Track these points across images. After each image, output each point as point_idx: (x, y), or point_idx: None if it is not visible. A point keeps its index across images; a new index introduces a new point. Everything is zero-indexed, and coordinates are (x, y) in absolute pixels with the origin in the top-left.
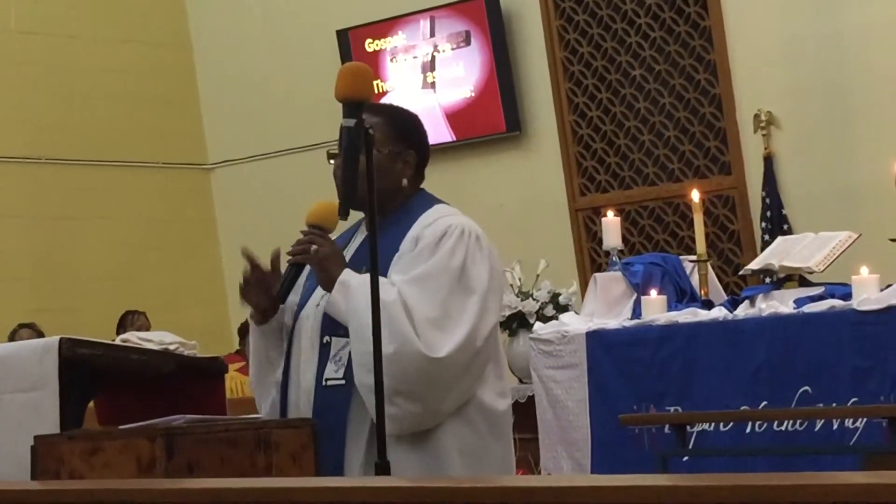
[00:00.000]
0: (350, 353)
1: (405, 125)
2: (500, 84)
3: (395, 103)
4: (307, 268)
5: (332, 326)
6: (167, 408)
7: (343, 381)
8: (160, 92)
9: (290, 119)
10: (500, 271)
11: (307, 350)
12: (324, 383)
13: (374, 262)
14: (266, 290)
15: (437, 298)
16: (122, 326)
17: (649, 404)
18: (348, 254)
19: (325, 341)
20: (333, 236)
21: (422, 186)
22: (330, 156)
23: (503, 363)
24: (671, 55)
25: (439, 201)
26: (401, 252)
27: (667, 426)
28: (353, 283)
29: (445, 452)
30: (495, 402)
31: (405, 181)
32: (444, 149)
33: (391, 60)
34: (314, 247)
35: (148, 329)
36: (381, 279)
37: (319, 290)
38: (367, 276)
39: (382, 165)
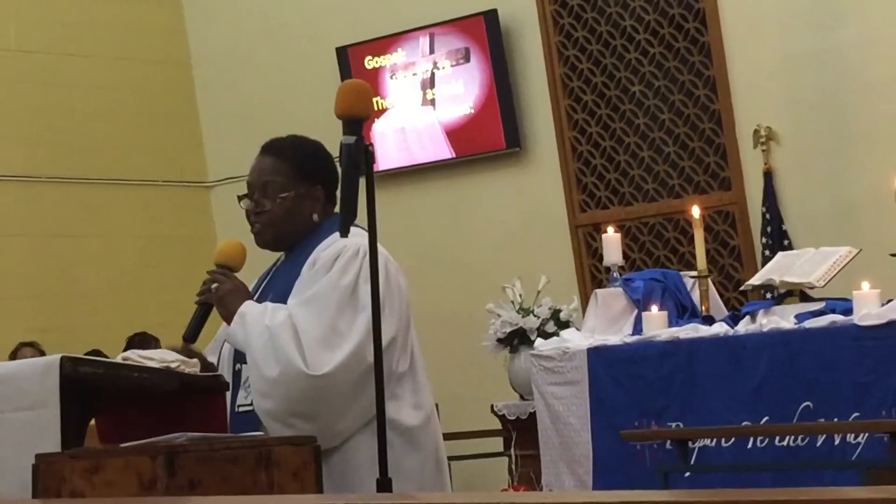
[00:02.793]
0: None
1: (307, 162)
2: (500, 100)
3: (296, 136)
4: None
5: (242, 355)
6: (168, 426)
7: (251, 407)
8: (160, 110)
9: None
10: (401, 289)
11: (227, 379)
12: (237, 409)
13: (375, 282)
14: None
15: (324, 317)
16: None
17: (651, 420)
18: (262, 286)
19: (237, 369)
20: (244, 274)
21: (335, 210)
22: (240, 198)
23: (419, 374)
24: (670, 71)
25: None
26: (301, 277)
27: (668, 442)
28: (250, 313)
29: (355, 468)
30: (408, 418)
31: (315, 216)
32: (443, 166)
33: (391, 77)
34: (215, 285)
35: None
36: (274, 305)
37: None
38: (264, 305)
39: (291, 209)
